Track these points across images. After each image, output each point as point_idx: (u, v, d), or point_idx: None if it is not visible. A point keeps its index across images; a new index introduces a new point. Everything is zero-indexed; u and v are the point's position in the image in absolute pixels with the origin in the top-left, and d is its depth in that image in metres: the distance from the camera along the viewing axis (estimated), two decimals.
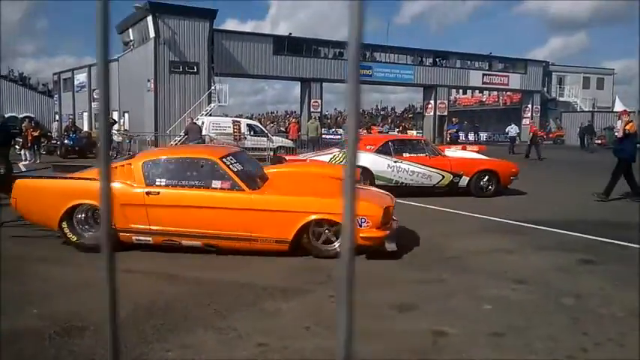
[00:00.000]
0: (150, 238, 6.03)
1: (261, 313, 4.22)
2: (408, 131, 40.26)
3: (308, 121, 25.96)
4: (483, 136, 44.18)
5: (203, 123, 21.43)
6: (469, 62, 41.98)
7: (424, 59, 40.09)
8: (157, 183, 6.03)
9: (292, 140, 23.37)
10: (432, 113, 39.43)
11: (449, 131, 21.12)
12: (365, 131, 55.01)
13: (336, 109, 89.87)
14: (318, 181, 6.75)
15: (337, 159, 10.78)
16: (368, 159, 10.57)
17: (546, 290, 4.81)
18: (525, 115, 44.16)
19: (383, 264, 5.70)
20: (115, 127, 23.89)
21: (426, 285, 4.96)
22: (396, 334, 3.81)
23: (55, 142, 22.53)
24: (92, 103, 37.75)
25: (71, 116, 30.42)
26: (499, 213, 8.83)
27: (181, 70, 27.70)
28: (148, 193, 5.93)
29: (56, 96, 43.37)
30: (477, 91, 52.10)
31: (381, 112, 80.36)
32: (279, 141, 22.20)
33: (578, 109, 45.40)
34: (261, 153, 20.53)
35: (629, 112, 11.12)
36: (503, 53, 42.59)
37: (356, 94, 0.74)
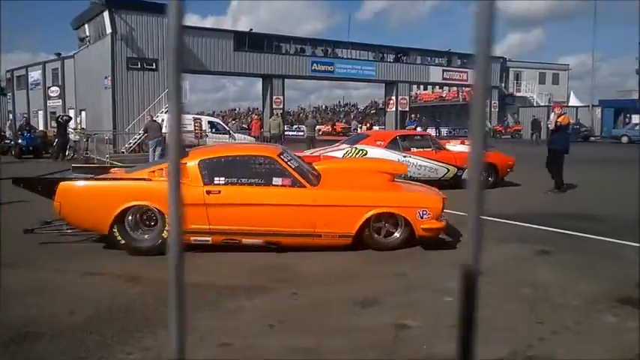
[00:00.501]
0: (209, 238, 5.90)
1: (224, 312, 4.18)
2: (373, 127, 40.64)
3: (270, 117, 25.83)
4: (444, 131, 44.88)
5: (163, 120, 21.08)
6: (429, 58, 42.56)
7: (385, 55, 40.40)
8: (215, 182, 5.92)
9: (255, 137, 23.24)
10: (393, 109, 39.82)
11: (408, 127, 21.55)
12: (329, 127, 55.32)
13: (299, 105, 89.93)
14: (368, 176, 6.84)
15: (351, 154, 11.03)
16: (380, 154, 10.75)
17: (506, 281, 4.92)
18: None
19: (346, 260, 5.73)
20: (72, 124, 23.23)
21: (388, 279, 5.01)
22: (359, 329, 3.83)
23: (8, 141, 21.79)
24: (47, 101, 36.65)
25: (25, 115, 29.39)
26: (462, 207, 8.97)
27: (140, 66, 27.15)
28: (208, 192, 5.83)
29: (9, 94, 41.91)
30: (438, 86, 52.89)
31: (344, 108, 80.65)
32: (241, 138, 22.05)
33: (535, 104, 46.62)
34: None
35: (562, 105, 11.68)
36: (463, 50, 43.31)
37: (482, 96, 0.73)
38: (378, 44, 40.45)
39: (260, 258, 5.77)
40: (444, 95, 56.07)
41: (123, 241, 5.90)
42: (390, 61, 40.12)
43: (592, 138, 38.93)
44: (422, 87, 56.89)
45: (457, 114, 49.30)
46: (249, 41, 33.89)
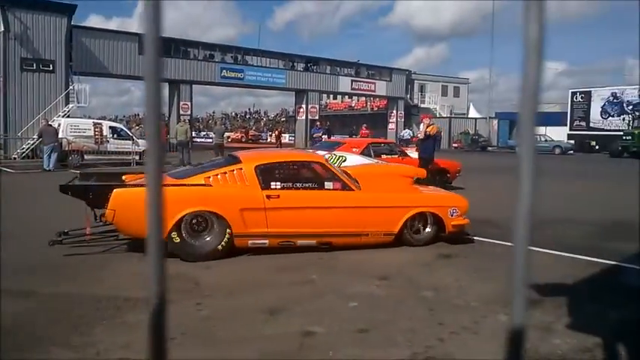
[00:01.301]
0: (266, 241, 6.09)
1: (123, 326, 3.96)
2: (282, 135, 40.73)
3: (177, 123, 25.11)
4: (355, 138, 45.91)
5: (60, 125, 19.87)
6: (339, 69, 43.43)
7: (296, 64, 40.71)
8: (272, 186, 6.14)
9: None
10: (303, 117, 40.13)
11: (313, 135, 22.03)
12: (239, 134, 54.80)
13: (207, 112, 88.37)
14: (396, 180, 7.57)
15: (332, 160, 11.08)
16: (357, 159, 11.05)
17: (408, 285, 5.07)
18: (391, 120, 46.68)
19: (252, 269, 5.65)
20: None
21: (295, 286, 4.99)
22: (266, 338, 3.78)
23: None
24: None
25: None
26: None
27: (35, 67, 25.43)
28: (268, 197, 6.02)
29: None
30: (347, 96, 54.08)
31: (254, 116, 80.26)
32: (145, 144, 21.21)
33: (438, 115, 48.91)
34: (125, 157, 19.49)
35: (430, 116, 12.94)
36: (372, 62, 44.68)
37: None
38: (289, 53, 40.72)
39: None
40: (353, 105, 57.41)
41: (180, 248, 5.82)
42: (300, 70, 40.47)
43: (490, 148, 41.43)
44: (332, 96, 57.91)
45: (366, 123, 50.59)
46: None
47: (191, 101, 34.92)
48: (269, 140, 40.70)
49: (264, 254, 6.10)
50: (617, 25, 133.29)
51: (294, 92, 41.86)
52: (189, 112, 34.17)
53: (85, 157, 19.16)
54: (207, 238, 5.96)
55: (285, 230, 6.08)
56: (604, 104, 40.31)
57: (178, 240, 5.83)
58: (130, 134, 21.55)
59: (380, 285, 5.05)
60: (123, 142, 20.25)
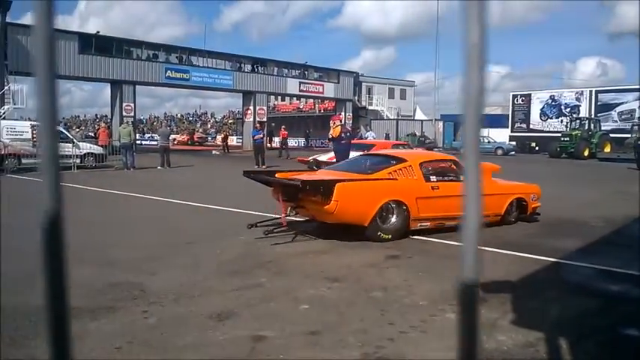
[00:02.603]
0: (428, 224, 7.56)
1: None
2: (229, 137, 40.25)
3: (120, 125, 24.40)
4: (301, 141, 46.00)
5: None
6: (286, 70, 43.40)
7: (243, 65, 40.42)
8: (431, 179, 7.65)
9: (102, 146, 21.77)
10: (251, 119, 39.84)
11: (254, 137, 22.07)
12: (185, 137, 53.72)
13: (151, 114, 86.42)
14: (486, 174, 8.61)
15: None
16: None
17: (358, 286, 5.09)
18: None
19: (201, 274, 5.54)
20: None
21: (245, 291, 4.92)
22: (215, 344, 3.70)
23: None
24: None
25: None
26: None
27: None
28: (432, 188, 7.54)
29: None
30: (295, 98, 54.10)
31: (201, 118, 79.02)
32: (86, 147, 20.48)
33: (385, 117, 49.68)
34: (66, 161, 18.74)
35: (340, 117, 13.54)
36: (321, 63, 44.97)
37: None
38: (236, 54, 40.37)
39: (106, 276, 5.36)
40: (301, 106, 57.45)
41: (379, 231, 7.10)
42: (247, 71, 40.19)
43: (435, 149, 42.35)
44: (280, 98, 57.81)
45: (314, 124, 50.82)
46: (96, 44, 31.87)
47: (134, 102, 34.06)
48: (216, 143, 40.05)
49: (212, 260, 6.01)
50: (557, 30, 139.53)
51: (241, 94, 41.53)
52: (132, 114, 33.31)
53: (23, 160, 18.30)
54: (393, 220, 7.29)
55: (441, 214, 7.44)
56: (543, 107, 42.05)
57: (380, 225, 7.15)
58: (71, 137, 20.73)
59: (330, 287, 5.05)
60: (63, 145, 19.45)
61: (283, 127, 32.10)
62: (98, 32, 33.62)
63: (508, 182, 9.28)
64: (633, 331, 4.11)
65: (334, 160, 12.43)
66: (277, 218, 7.60)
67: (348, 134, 11.82)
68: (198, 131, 61.05)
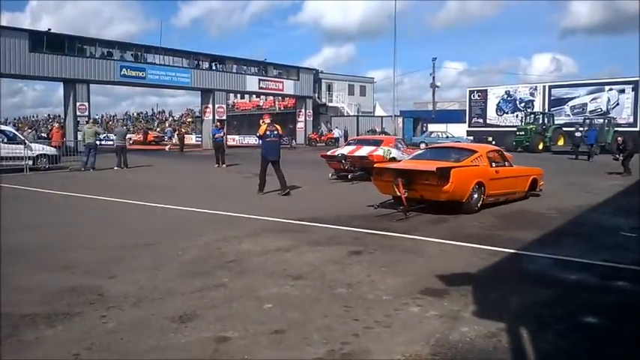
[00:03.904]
0: (492, 199, 9.89)
1: (20, 345, 3.63)
2: (186, 136, 39.63)
3: (86, 125, 23.59)
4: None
5: None
6: (246, 68, 43.04)
7: (201, 63, 39.85)
8: (492, 165, 10.21)
9: (56, 147, 21.08)
10: (210, 117, 39.34)
11: (214, 135, 21.93)
12: (141, 136, 52.55)
13: (106, 113, 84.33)
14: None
15: (384, 152, 15.58)
16: (395, 151, 16.03)
17: (322, 283, 5.07)
18: (300, 119, 46.96)
19: (160, 276, 5.41)
20: None
21: (207, 292, 4.83)
22: (178, 347, 3.61)
23: None
24: None
25: None
26: (278, 213, 9.14)
27: None
28: (496, 172, 10.12)
29: None
30: (255, 95, 53.70)
31: (158, 117, 77.54)
32: (39, 148, 19.75)
33: (345, 114, 49.87)
34: (17, 163, 18.09)
35: (269, 115, 14.07)
36: (282, 60, 44.72)
37: None
38: (193, 51, 39.77)
39: (63, 280, 5.17)
40: (261, 104, 57.08)
41: (470, 205, 9.38)
42: (205, 69, 39.66)
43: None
44: (239, 95, 57.27)
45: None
46: (48, 42, 30.84)
47: (89, 102, 33.13)
48: (174, 141, 39.29)
49: (173, 262, 5.89)
50: (513, 27, 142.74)
51: (200, 92, 40.96)
52: (86, 113, 32.37)
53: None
54: (475, 196, 9.42)
55: (500, 191, 10.12)
56: (499, 102, 42.98)
57: (469, 199, 9.30)
58: (22, 137, 19.99)
59: (294, 285, 5.01)
60: (13, 146, 18.65)
61: (181, 126, 32.01)
62: (49, 30, 32.56)
63: (525, 167, 12.22)
64: (591, 319, 4.23)
65: (355, 153, 15.50)
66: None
67: (275, 132, 12.25)
68: (155, 130, 59.87)
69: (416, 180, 9.02)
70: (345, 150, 16.25)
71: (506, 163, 10.82)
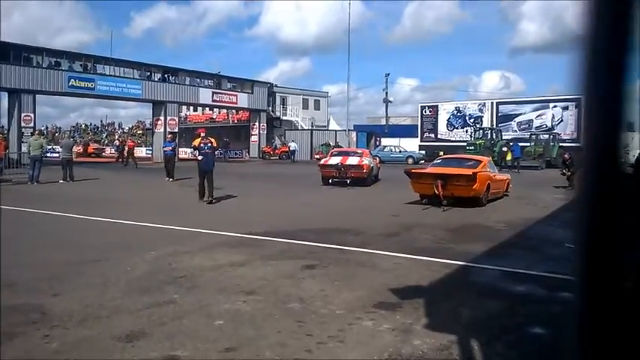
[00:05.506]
0: (492, 196, 12.96)
1: None
2: (137, 148, 38.68)
3: (32, 136, 22.64)
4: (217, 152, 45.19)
5: None
6: (199, 80, 42.57)
7: (153, 74, 39.19)
8: (489, 171, 13.35)
9: None
10: (162, 129, 38.53)
11: (164, 148, 21.71)
12: (80, 148, 50.90)
13: (54, 124, 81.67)
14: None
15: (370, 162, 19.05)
16: (370, 160, 19.45)
17: (274, 298, 5.01)
18: (253, 133, 46.74)
19: (106, 293, 5.23)
20: None
21: (155, 308, 4.68)
22: None
23: None
24: None
25: None
26: (232, 227, 9.02)
27: None
28: (492, 175, 13.42)
29: None
30: (208, 108, 53.12)
31: (107, 128, 75.60)
32: None
33: (300, 127, 49.97)
34: None
35: (204, 129, 14.68)
36: (237, 73, 44.47)
37: None
38: (145, 62, 39.08)
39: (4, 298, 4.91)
40: (214, 117, 56.48)
41: (484, 200, 12.74)
42: (157, 81, 39.02)
43: None
44: (192, 108, 56.51)
45: (228, 135, 50.11)
46: None
47: (34, 112, 32.00)
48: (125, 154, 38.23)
49: (121, 278, 5.70)
50: (464, 44, 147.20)
51: (151, 104, 40.20)
52: (32, 125, 31.21)
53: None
54: (486, 194, 12.65)
55: (495, 191, 13.33)
56: (449, 117, 43.98)
57: (483, 197, 12.52)
58: None
59: (246, 300, 4.93)
60: None
61: (130, 138, 31.75)
62: None
63: (502, 174, 15.81)
64: (538, 330, 4.34)
65: (346, 162, 18.00)
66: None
67: (209, 145, 13.39)
68: (103, 142, 58.19)
69: (450, 182, 11.95)
70: (336, 160, 18.83)
71: (495, 170, 14.46)
